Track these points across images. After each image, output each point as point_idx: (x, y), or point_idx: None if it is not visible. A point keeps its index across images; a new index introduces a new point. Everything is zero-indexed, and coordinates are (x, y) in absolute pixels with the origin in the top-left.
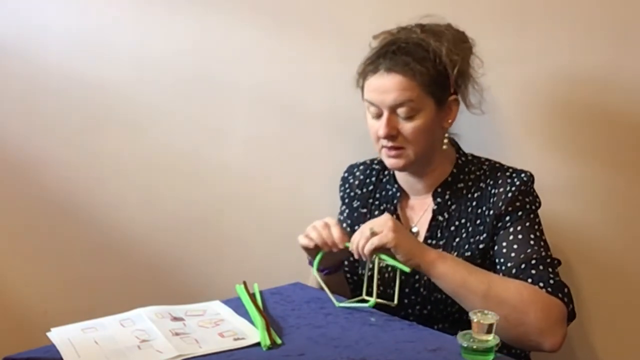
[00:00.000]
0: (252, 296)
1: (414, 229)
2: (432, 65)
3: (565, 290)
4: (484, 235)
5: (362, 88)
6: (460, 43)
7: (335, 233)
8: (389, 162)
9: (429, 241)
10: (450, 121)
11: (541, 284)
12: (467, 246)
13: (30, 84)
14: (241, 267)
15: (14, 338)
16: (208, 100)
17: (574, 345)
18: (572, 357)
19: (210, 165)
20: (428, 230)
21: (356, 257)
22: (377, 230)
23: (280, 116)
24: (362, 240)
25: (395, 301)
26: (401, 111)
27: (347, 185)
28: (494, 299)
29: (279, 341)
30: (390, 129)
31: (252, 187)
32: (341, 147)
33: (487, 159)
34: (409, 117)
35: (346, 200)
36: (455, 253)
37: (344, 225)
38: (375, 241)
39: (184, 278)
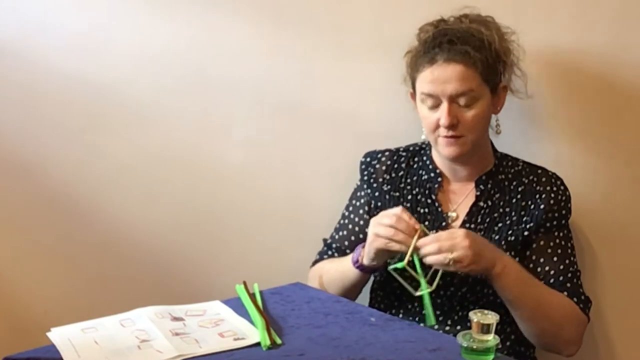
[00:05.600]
0: (252, 296)
1: (452, 214)
2: (488, 53)
3: (589, 305)
4: (531, 224)
5: (414, 81)
6: (504, 31)
7: (411, 220)
8: (448, 150)
9: (467, 225)
10: (499, 108)
11: (575, 299)
12: (510, 232)
13: (30, 83)
14: (241, 267)
15: (14, 338)
16: (208, 99)
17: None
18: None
19: (210, 165)
20: (467, 214)
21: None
22: (457, 257)
23: (281, 115)
24: (440, 261)
25: (434, 286)
26: (461, 100)
27: (371, 170)
28: (541, 314)
29: (279, 341)
30: (452, 118)
31: (252, 187)
32: (341, 146)
33: (515, 157)
34: (469, 106)
35: (374, 185)
36: (498, 237)
37: (372, 205)
38: (452, 269)
39: (184, 278)
